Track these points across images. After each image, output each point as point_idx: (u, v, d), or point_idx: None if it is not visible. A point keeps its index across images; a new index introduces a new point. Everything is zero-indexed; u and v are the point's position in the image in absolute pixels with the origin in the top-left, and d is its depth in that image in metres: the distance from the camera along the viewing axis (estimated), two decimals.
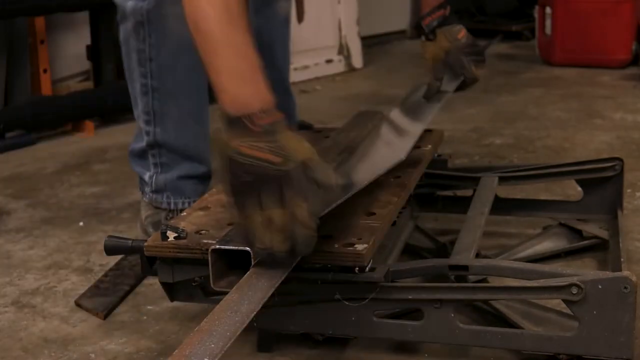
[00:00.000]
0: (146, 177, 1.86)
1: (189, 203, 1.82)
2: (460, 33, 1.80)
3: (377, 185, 1.56)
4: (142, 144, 1.83)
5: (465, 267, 1.35)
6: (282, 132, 1.21)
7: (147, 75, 1.75)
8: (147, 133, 1.80)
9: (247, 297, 1.12)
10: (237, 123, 1.21)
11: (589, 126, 2.88)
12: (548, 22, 4.16)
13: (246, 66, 1.28)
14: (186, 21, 1.53)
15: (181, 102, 1.78)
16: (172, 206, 1.85)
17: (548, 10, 4.16)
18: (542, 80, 3.79)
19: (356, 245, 1.29)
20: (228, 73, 1.29)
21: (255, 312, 1.08)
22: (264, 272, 1.20)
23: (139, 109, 1.80)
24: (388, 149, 1.64)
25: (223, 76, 1.29)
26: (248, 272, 1.20)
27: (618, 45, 3.98)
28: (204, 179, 1.87)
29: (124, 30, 1.76)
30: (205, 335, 1.02)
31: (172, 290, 1.44)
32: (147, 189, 1.87)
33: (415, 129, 1.71)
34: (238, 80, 1.28)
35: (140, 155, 1.87)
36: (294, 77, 3.96)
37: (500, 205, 1.85)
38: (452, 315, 1.30)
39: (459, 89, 1.85)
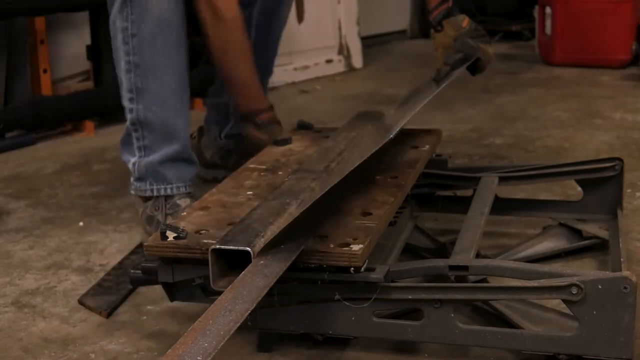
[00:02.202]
0: (130, 164, 1.91)
1: (171, 189, 1.88)
2: (464, 21, 1.98)
3: (373, 185, 1.56)
4: (126, 127, 1.90)
5: (465, 267, 1.35)
6: (272, 123, 1.99)
7: (130, 52, 1.82)
8: (131, 111, 1.86)
9: (242, 296, 1.12)
10: (248, 117, 2.01)
11: (589, 126, 2.88)
12: (548, 22, 4.16)
13: (254, 77, 2.00)
14: None
15: (161, 77, 1.84)
16: (156, 193, 1.89)
17: (548, 10, 4.16)
18: (542, 80, 3.79)
19: (351, 246, 1.29)
20: (245, 81, 1.99)
21: (249, 311, 1.08)
22: (260, 272, 1.20)
23: (123, 89, 1.86)
24: (380, 134, 1.67)
25: (242, 83, 1.99)
26: (243, 272, 1.20)
27: (618, 45, 3.98)
28: (183, 162, 1.91)
29: (112, 15, 1.85)
30: (198, 335, 1.02)
31: (172, 291, 1.44)
32: (132, 179, 1.92)
33: (408, 111, 1.72)
34: (251, 87, 2.01)
35: (126, 141, 1.92)
36: (294, 77, 3.98)
37: (500, 205, 1.85)
38: (452, 315, 1.30)
39: (478, 70, 2.00)
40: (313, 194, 1.47)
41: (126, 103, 1.87)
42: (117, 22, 1.83)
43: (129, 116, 1.87)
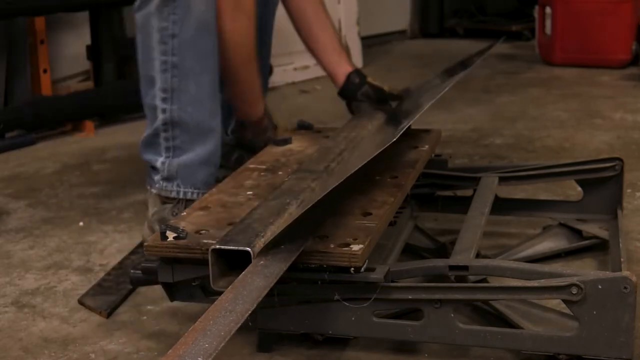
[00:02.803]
0: (158, 163, 1.85)
1: (198, 194, 1.82)
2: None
3: (373, 185, 1.56)
4: (154, 128, 1.85)
5: (465, 267, 1.35)
6: (270, 128, 2.12)
7: (169, 52, 1.79)
8: (164, 111, 1.82)
9: (242, 296, 1.12)
10: (246, 124, 2.11)
11: (589, 126, 2.88)
12: (548, 22, 4.16)
13: (258, 84, 2.03)
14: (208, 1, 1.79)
15: (199, 79, 1.82)
16: (182, 195, 1.84)
17: (548, 10, 4.16)
18: (542, 80, 3.79)
19: (352, 246, 1.29)
20: (251, 85, 2.01)
21: (249, 312, 1.08)
22: (260, 272, 1.20)
23: (155, 88, 1.82)
24: (380, 135, 1.67)
25: (248, 87, 2.02)
26: (243, 272, 1.20)
27: (618, 45, 3.98)
28: (213, 166, 1.88)
29: (145, 13, 1.80)
30: (199, 335, 1.02)
31: (172, 291, 1.44)
32: (158, 177, 1.86)
33: (408, 117, 1.72)
34: (256, 93, 2.05)
35: (152, 141, 1.86)
36: (294, 77, 3.98)
37: (500, 205, 1.85)
38: (452, 315, 1.30)
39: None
40: (313, 195, 1.47)
41: (158, 102, 1.82)
42: (152, 22, 1.79)
43: (161, 116, 1.82)
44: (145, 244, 1.37)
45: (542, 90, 3.56)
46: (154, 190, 1.87)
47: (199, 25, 1.78)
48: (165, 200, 1.86)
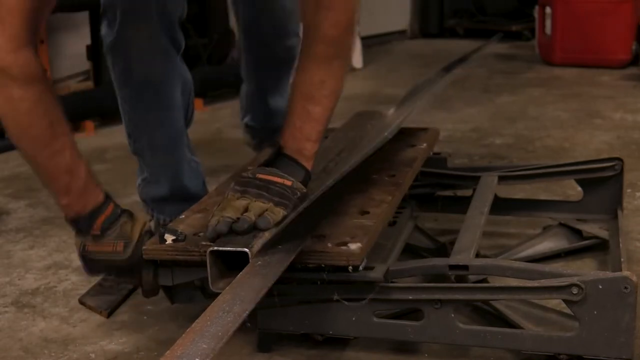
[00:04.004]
0: (136, 184, 1.89)
1: (168, 220, 1.80)
2: None
3: (371, 184, 1.56)
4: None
5: (465, 267, 1.35)
6: (118, 221, 1.44)
7: (122, 98, 1.78)
8: (129, 144, 1.84)
9: (240, 297, 1.12)
10: (78, 224, 1.44)
11: (589, 126, 2.88)
12: (548, 22, 4.16)
13: (68, 176, 1.41)
14: (153, 55, 1.65)
15: (151, 131, 1.79)
16: (155, 218, 1.87)
17: (548, 10, 4.16)
18: (542, 80, 3.79)
19: (349, 245, 1.29)
20: (54, 185, 1.43)
21: (247, 312, 1.08)
22: (257, 273, 1.20)
23: (122, 119, 1.83)
24: (378, 134, 1.65)
25: (50, 187, 1.44)
26: (241, 273, 1.19)
27: (618, 45, 3.98)
28: (177, 201, 1.85)
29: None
30: (197, 336, 1.02)
31: (172, 293, 1.44)
32: (139, 195, 1.90)
33: (406, 109, 1.71)
34: (64, 190, 1.41)
35: (136, 157, 1.89)
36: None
37: (500, 205, 1.85)
38: (452, 315, 1.30)
39: None
40: (311, 195, 1.47)
41: (126, 135, 1.84)
42: (109, 65, 1.76)
43: (129, 147, 1.84)
44: (144, 247, 1.37)
45: (542, 90, 3.56)
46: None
47: (144, 83, 1.73)
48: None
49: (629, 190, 2.11)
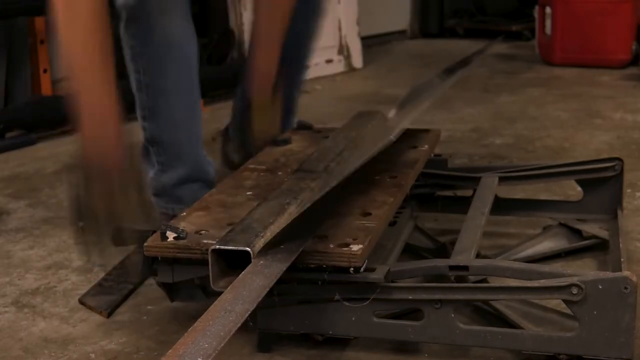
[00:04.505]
0: (149, 177, 1.85)
1: (183, 209, 1.80)
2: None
3: (373, 185, 1.56)
4: (143, 142, 1.84)
5: (465, 268, 1.35)
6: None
7: (140, 71, 1.76)
8: (144, 129, 1.82)
9: (242, 296, 1.12)
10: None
11: (589, 126, 2.88)
12: (548, 22, 4.16)
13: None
14: (172, 16, 1.66)
15: (171, 100, 1.78)
16: (171, 212, 1.84)
17: (548, 10, 4.16)
18: (542, 80, 3.79)
19: (351, 246, 1.29)
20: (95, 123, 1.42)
21: (249, 312, 1.08)
22: (259, 272, 1.20)
23: (136, 105, 1.81)
24: (380, 135, 1.65)
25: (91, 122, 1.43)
26: (243, 272, 1.20)
27: (618, 45, 3.98)
28: (196, 183, 1.85)
29: (120, 27, 1.77)
30: (199, 335, 1.02)
31: (172, 291, 1.44)
32: (150, 192, 1.85)
33: (409, 112, 1.71)
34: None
35: (146, 152, 1.86)
36: None
37: (500, 205, 1.85)
38: (452, 315, 1.30)
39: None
40: (313, 195, 1.47)
41: (140, 120, 1.82)
42: (124, 38, 1.76)
43: (143, 133, 1.82)
44: (145, 244, 1.37)
45: (542, 90, 3.56)
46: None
47: (164, 43, 1.73)
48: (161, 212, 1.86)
49: (629, 190, 2.11)
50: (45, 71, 3.23)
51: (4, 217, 2.19)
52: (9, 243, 2.01)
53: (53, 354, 1.46)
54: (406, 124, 1.63)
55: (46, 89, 3.24)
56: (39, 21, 3.19)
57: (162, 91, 1.77)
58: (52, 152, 2.87)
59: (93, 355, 1.46)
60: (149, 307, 1.63)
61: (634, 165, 2.31)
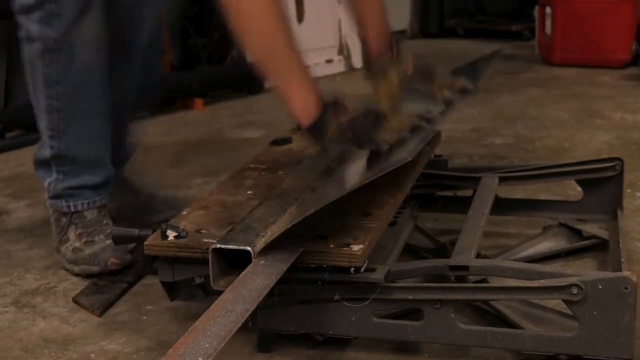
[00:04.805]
0: (46, 183, 1.86)
1: (88, 204, 1.84)
2: (409, 66, 1.81)
3: (373, 185, 1.56)
4: (47, 154, 1.84)
5: (465, 268, 1.35)
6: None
7: (54, 96, 1.76)
8: (52, 147, 1.82)
9: (242, 296, 1.12)
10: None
11: (589, 126, 2.88)
12: (548, 22, 4.16)
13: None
14: (93, 49, 1.70)
15: (86, 122, 1.80)
16: (72, 209, 1.85)
17: (548, 10, 4.16)
18: (542, 80, 3.79)
19: (351, 246, 1.29)
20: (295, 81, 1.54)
21: (250, 312, 1.08)
22: (260, 272, 1.20)
23: (43, 125, 1.81)
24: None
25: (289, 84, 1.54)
26: (244, 272, 1.20)
27: (618, 45, 3.98)
28: (102, 186, 1.87)
29: (30, 50, 1.76)
30: (199, 335, 1.02)
31: (172, 290, 1.44)
32: (46, 195, 1.88)
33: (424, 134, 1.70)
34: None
35: (44, 162, 1.86)
36: None
37: (500, 205, 1.85)
38: (452, 315, 1.30)
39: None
40: (314, 196, 1.47)
41: (46, 138, 1.82)
42: (36, 63, 1.75)
43: (49, 151, 1.82)
44: (145, 243, 1.37)
45: (542, 90, 3.56)
46: (47, 204, 1.90)
47: (84, 73, 1.75)
48: (60, 215, 1.87)
49: (629, 190, 2.11)
50: None
51: (4, 217, 2.19)
52: (9, 243, 2.01)
53: (53, 354, 1.46)
54: (424, 141, 1.62)
55: None
56: None
57: (76, 116, 1.79)
58: None
59: (93, 355, 1.46)
60: (149, 307, 1.63)
61: (634, 165, 2.31)
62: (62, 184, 1.84)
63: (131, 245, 1.75)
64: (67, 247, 1.81)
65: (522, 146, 2.65)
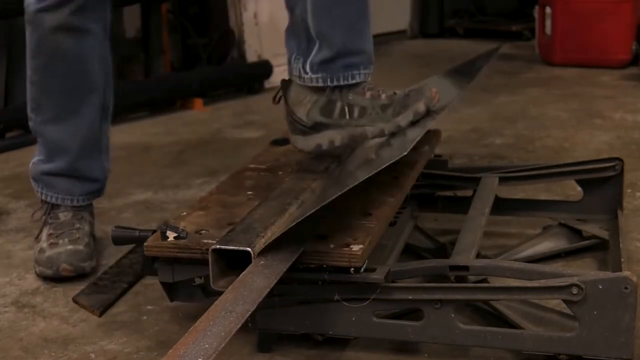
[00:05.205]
0: (31, 163, 1.89)
1: (59, 199, 1.85)
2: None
3: (373, 185, 1.56)
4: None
5: (465, 268, 1.35)
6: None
7: (32, 68, 1.80)
8: (30, 119, 1.85)
9: (242, 297, 1.12)
10: None
11: (589, 126, 2.88)
12: (548, 22, 4.16)
13: None
14: (62, 32, 1.71)
15: (56, 101, 1.82)
16: (44, 197, 1.87)
17: (548, 10, 4.16)
18: (542, 80, 3.79)
19: (351, 246, 1.29)
20: None
21: (250, 312, 1.08)
22: (260, 272, 1.20)
23: (27, 95, 1.85)
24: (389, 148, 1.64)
25: None
26: (244, 272, 1.20)
27: (618, 45, 3.98)
28: (72, 178, 1.87)
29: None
30: (199, 335, 1.02)
31: (172, 290, 1.44)
32: (30, 175, 1.90)
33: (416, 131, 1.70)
34: None
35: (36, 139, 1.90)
36: None
37: (501, 206, 1.85)
38: (452, 315, 1.30)
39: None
40: (313, 196, 1.47)
41: (28, 110, 1.85)
42: (27, 35, 1.79)
43: (30, 123, 1.86)
44: (145, 244, 1.37)
45: (542, 90, 3.56)
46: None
47: (53, 56, 1.76)
48: (41, 206, 1.89)
49: (629, 191, 2.11)
50: None
51: (4, 217, 2.19)
52: (9, 243, 2.01)
53: (53, 354, 1.46)
54: (417, 137, 1.61)
55: None
56: None
57: (48, 93, 1.81)
58: None
59: (93, 355, 1.46)
60: (149, 307, 1.63)
61: (634, 165, 2.31)
62: (39, 166, 1.86)
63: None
64: (37, 246, 1.81)
65: (522, 146, 2.65)
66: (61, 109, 1.82)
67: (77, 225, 1.83)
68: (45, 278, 1.76)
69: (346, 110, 1.63)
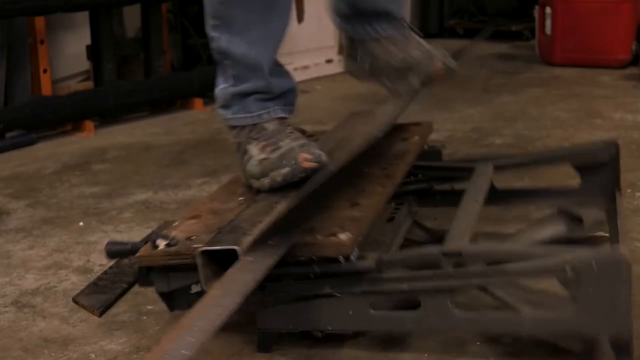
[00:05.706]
0: (218, 89, 1.73)
1: (268, 113, 1.68)
2: None
3: (362, 176, 1.55)
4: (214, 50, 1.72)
5: (458, 253, 1.33)
6: None
7: None
8: (214, 39, 1.69)
9: (229, 291, 1.11)
10: None
11: (589, 126, 2.88)
12: (548, 22, 4.16)
13: None
14: None
15: (247, 7, 1.65)
16: (238, 123, 1.71)
17: (548, 10, 4.16)
18: (542, 80, 3.79)
19: (339, 235, 1.28)
20: None
21: (237, 305, 1.08)
22: (247, 268, 1.19)
23: (207, 14, 1.70)
24: (365, 131, 1.62)
25: None
26: (230, 269, 1.19)
27: (618, 45, 3.98)
28: (267, 96, 1.69)
29: None
30: (184, 330, 1.01)
31: (171, 301, 1.43)
32: (217, 105, 1.74)
33: (397, 106, 1.68)
34: None
35: (220, 66, 1.72)
36: (294, 77, 3.97)
37: (499, 195, 1.83)
38: (449, 302, 1.29)
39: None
40: (300, 190, 1.46)
41: (210, 30, 1.69)
42: None
43: (214, 44, 1.69)
44: (136, 255, 1.37)
45: (542, 90, 3.57)
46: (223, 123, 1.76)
47: None
48: (239, 131, 1.73)
49: (629, 191, 2.11)
50: (45, 71, 3.23)
51: (4, 217, 2.19)
52: (9, 243, 2.01)
53: (53, 354, 1.46)
54: (394, 118, 1.60)
55: (46, 89, 3.24)
56: (39, 21, 3.19)
57: (239, 2, 1.65)
58: (52, 152, 2.87)
59: (93, 355, 1.46)
60: (149, 307, 1.63)
61: (634, 165, 2.31)
62: (231, 89, 1.69)
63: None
64: (251, 164, 1.61)
65: (522, 146, 2.65)
66: (248, 20, 1.64)
67: (289, 130, 1.64)
68: (278, 184, 1.53)
69: None
